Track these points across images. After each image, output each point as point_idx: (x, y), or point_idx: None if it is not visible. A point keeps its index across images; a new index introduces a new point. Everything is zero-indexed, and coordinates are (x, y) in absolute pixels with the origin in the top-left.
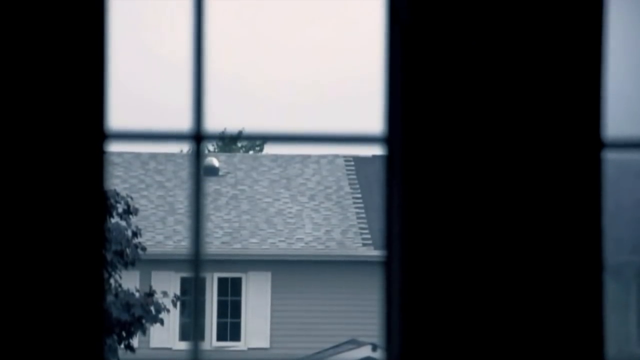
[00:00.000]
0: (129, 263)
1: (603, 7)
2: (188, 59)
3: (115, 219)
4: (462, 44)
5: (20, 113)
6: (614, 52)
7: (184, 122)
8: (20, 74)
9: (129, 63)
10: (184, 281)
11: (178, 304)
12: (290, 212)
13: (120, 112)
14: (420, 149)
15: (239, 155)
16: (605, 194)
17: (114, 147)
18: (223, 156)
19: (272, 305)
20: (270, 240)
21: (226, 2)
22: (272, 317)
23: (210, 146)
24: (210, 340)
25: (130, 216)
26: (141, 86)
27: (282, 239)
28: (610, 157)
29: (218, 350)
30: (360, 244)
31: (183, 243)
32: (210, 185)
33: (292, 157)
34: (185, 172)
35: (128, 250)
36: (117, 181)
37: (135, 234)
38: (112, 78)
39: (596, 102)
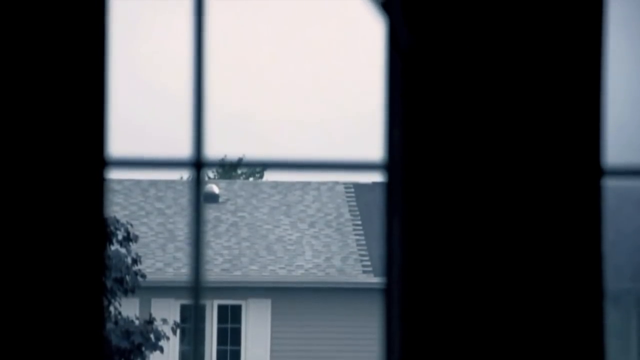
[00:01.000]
0: (129, 290)
1: (602, 35)
2: (188, 87)
3: (115, 246)
4: (462, 71)
5: (22, 141)
6: (614, 81)
7: (183, 151)
8: (23, 101)
9: (128, 92)
10: (183, 308)
11: (178, 331)
12: (290, 239)
13: (120, 141)
14: (420, 176)
15: (239, 182)
16: (606, 221)
17: (114, 175)
18: (223, 183)
19: (272, 332)
20: (270, 267)
21: (225, 26)
22: (272, 344)
23: (210, 173)
24: None
25: (130, 243)
26: (141, 115)
27: (282, 266)
28: (610, 184)
29: None
30: (361, 271)
31: (183, 270)
32: (210, 212)
33: (292, 184)
34: (185, 199)
35: (128, 278)
36: (117, 208)
37: (135, 261)
38: (112, 107)
39: (596, 130)
